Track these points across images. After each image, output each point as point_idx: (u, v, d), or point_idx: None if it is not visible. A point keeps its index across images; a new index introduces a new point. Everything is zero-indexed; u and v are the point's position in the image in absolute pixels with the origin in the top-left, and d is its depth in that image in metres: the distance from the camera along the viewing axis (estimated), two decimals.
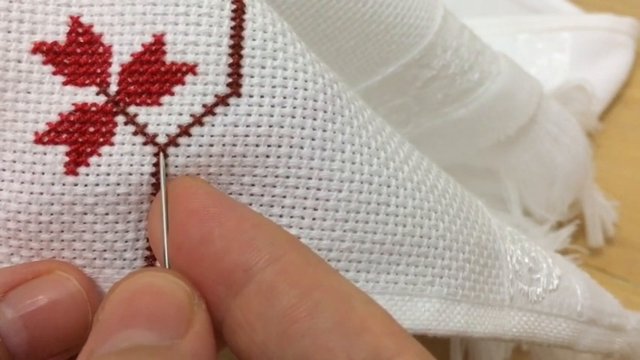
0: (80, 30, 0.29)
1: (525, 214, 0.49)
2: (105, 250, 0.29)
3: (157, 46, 0.29)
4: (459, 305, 0.32)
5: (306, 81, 0.29)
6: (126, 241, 0.29)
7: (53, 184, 0.28)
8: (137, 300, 0.23)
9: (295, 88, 0.29)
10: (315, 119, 0.29)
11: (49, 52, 0.29)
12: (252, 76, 0.29)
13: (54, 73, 0.28)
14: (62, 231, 0.28)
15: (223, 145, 0.28)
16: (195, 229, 0.25)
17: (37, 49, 0.28)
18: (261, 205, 0.29)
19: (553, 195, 0.49)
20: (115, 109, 0.28)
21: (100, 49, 0.29)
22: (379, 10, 0.40)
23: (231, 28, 0.29)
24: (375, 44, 0.41)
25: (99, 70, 0.29)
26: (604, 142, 0.56)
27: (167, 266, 0.26)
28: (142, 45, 0.29)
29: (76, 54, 0.29)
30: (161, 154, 0.28)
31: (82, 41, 0.29)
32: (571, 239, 0.50)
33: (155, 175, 0.28)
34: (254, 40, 0.29)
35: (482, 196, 0.47)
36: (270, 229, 0.26)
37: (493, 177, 0.49)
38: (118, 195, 0.28)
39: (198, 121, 0.28)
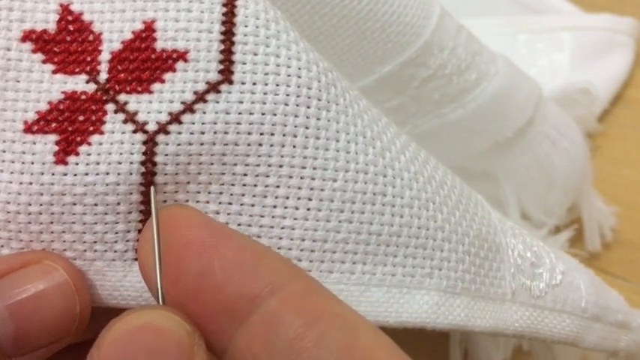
0: (70, 18, 0.29)
1: (523, 218, 0.49)
2: (95, 242, 0.28)
3: (147, 32, 0.28)
4: (458, 298, 0.31)
5: (299, 68, 0.29)
6: (116, 233, 0.28)
7: (43, 173, 0.27)
8: (136, 338, 0.23)
9: (288, 76, 0.29)
10: (308, 107, 0.29)
11: (39, 41, 0.28)
12: (244, 63, 0.28)
13: (43, 62, 0.28)
14: (52, 222, 0.28)
15: (215, 132, 0.28)
16: (193, 262, 0.25)
17: (27, 37, 0.28)
18: (254, 196, 0.29)
19: (551, 199, 0.48)
20: (105, 97, 0.28)
21: (90, 37, 0.28)
22: (375, 8, 0.40)
23: (223, 14, 0.29)
24: (371, 42, 0.41)
25: (89, 58, 0.28)
26: (604, 142, 0.56)
27: (161, 302, 0.25)
28: (132, 32, 0.28)
29: (66, 42, 0.28)
30: (152, 188, 0.28)
31: (71, 29, 0.29)
32: (569, 243, 0.49)
33: (145, 163, 0.28)
34: (246, 26, 0.29)
35: (480, 194, 0.47)
36: (270, 257, 0.25)
37: (491, 180, 0.48)
38: (107, 185, 0.27)
39: (189, 108, 0.28)
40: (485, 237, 0.33)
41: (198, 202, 0.28)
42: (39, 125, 0.28)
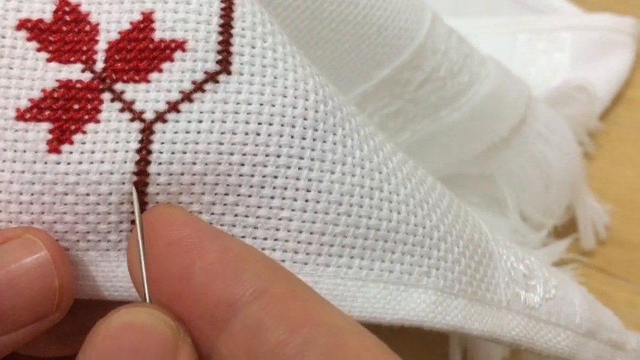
0: (67, 9, 0.29)
1: (522, 220, 0.49)
2: (88, 232, 0.28)
3: (145, 23, 0.28)
4: (456, 299, 0.30)
5: (295, 65, 0.29)
6: (109, 223, 0.28)
7: (35, 162, 0.27)
8: (120, 337, 0.23)
9: (285, 70, 0.29)
10: (307, 100, 0.29)
11: (34, 29, 0.28)
12: (242, 55, 0.28)
13: (38, 50, 0.28)
14: (42, 212, 0.27)
15: (212, 121, 0.27)
16: (175, 262, 0.24)
17: (22, 25, 0.28)
18: (251, 186, 0.28)
19: (549, 198, 0.48)
20: (101, 86, 0.28)
21: (87, 28, 0.28)
22: (370, 13, 0.41)
23: (222, 9, 0.29)
24: (369, 46, 0.42)
25: (85, 48, 0.28)
26: (604, 142, 0.55)
27: (147, 300, 0.25)
28: (131, 23, 0.28)
29: (62, 32, 0.28)
30: (133, 188, 0.27)
31: (68, 19, 0.28)
32: (569, 245, 0.49)
33: (140, 151, 0.27)
34: (244, 21, 0.29)
35: (480, 197, 0.47)
36: (254, 259, 0.25)
37: (490, 182, 0.49)
38: (101, 174, 0.27)
39: (187, 97, 0.27)
40: (478, 243, 0.32)
41: (192, 193, 0.28)
42: (32, 113, 0.27)
